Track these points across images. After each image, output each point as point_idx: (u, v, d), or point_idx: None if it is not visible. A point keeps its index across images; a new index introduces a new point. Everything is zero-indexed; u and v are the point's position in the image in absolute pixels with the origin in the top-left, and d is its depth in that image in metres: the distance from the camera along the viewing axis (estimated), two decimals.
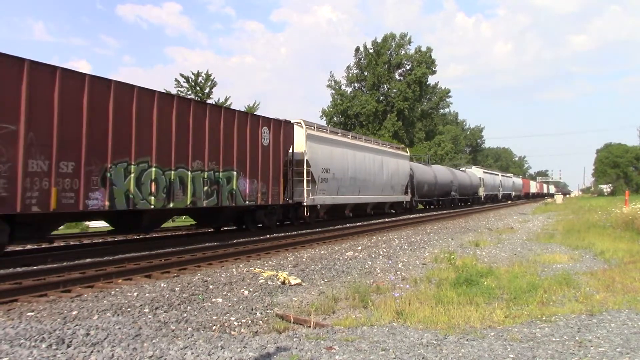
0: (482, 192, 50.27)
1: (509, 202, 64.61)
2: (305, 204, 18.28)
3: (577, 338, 4.87)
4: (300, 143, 18.28)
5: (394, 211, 29.21)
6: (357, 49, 67.13)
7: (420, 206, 37.53)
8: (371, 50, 66.26)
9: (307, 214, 18.65)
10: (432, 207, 38.80)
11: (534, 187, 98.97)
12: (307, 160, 18.30)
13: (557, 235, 15.62)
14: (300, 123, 18.70)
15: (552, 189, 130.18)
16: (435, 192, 35.78)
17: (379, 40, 66.60)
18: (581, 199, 75.46)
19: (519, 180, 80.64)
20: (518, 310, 6.00)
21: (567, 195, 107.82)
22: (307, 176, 18.25)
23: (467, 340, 4.80)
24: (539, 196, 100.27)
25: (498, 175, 62.11)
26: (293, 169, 17.88)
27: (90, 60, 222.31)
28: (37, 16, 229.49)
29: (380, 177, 25.64)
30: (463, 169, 51.21)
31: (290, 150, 17.59)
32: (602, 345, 4.63)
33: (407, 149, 32.30)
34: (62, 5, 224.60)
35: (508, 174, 76.03)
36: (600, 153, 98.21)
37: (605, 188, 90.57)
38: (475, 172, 51.49)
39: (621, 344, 4.65)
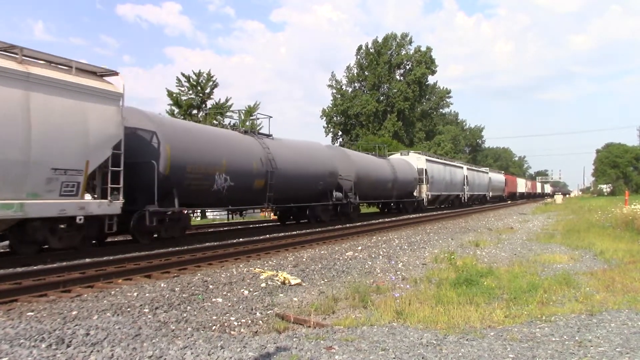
0: (425, 193, 32.60)
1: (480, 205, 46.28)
2: None
3: (577, 338, 4.86)
4: None
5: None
6: (359, 48, 67.32)
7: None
8: (372, 50, 66.37)
9: None
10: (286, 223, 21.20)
11: (523, 186, 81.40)
12: None
13: (557, 235, 15.62)
14: None
15: (549, 189, 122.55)
16: (284, 193, 17.51)
17: (380, 40, 66.77)
18: (581, 199, 75.40)
19: (498, 177, 62.05)
20: (518, 310, 6.00)
21: (567, 195, 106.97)
22: None
23: (466, 340, 4.80)
24: (533, 197, 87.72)
25: (462, 167, 43.80)
26: None
27: (90, 60, 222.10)
28: (37, 16, 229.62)
29: None
30: (396, 155, 34.57)
31: None
32: (602, 345, 4.62)
33: (120, 76, 11.56)
34: (62, 5, 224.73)
35: (483, 168, 56.85)
36: (600, 153, 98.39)
37: (605, 188, 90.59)
38: (413, 161, 32.48)
39: (621, 344, 4.65)
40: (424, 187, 32.70)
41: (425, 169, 32.93)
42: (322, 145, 22.32)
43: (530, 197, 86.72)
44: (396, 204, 30.03)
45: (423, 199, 32.55)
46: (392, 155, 34.69)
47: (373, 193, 25.50)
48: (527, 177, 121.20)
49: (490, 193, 53.90)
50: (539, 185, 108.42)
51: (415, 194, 31.84)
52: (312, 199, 19.68)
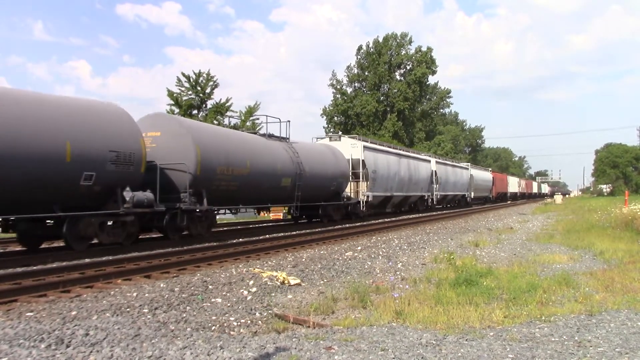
0: (363, 194, 23.27)
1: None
2: None
3: (576, 338, 4.87)
4: None
5: None
6: (360, 48, 67.33)
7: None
8: (372, 50, 66.38)
9: None
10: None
11: (515, 186, 72.00)
12: None
13: (557, 236, 15.62)
14: None
15: (546, 189, 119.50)
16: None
17: (380, 40, 66.75)
18: (581, 199, 75.37)
19: (484, 175, 52.63)
20: (517, 310, 6.00)
21: (567, 196, 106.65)
22: None
23: (466, 340, 4.80)
24: (528, 198, 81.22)
25: (429, 161, 34.19)
26: None
27: (89, 60, 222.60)
28: (37, 16, 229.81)
29: None
30: (324, 140, 24.90)
31: None
32: (601, 345, 4.63)
33: None
34: (62, 5, 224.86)
35: (462, 164, 46.65)
36: (600, 153, 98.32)
37: (605, 188, 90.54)
38: (344, 149, 22.96)
39: (620, 344, 4.65)
40: (362, 186, 23.25)
41: (363, 160, 23.35)
42: (112, 106, 12.28)
43: (525, 198, 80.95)
44: (308, 209, 19.77)
45: (359, 202, 22.99)
46: (320, 139, 25.06)
47: (249, 195, 15.86)
48: (527, 177, 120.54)
49: (472, 194, 45.11)
50: (535, 185, 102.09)
51: (349, 194, 22.78)
52: (79, 204, 10.95)
